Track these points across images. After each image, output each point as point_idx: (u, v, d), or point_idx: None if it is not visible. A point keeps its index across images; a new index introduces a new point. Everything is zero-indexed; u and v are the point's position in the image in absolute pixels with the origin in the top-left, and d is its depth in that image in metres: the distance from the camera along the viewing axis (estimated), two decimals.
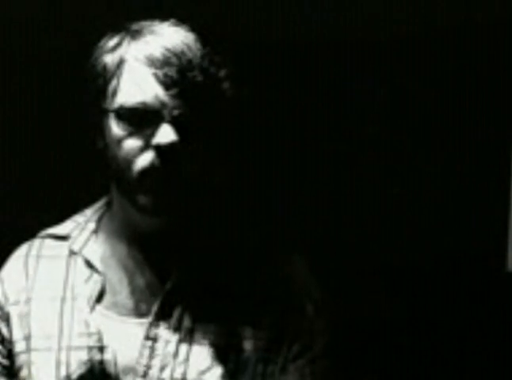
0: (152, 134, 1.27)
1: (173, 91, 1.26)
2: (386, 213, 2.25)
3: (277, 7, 2.19)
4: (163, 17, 1.34)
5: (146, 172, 1.27)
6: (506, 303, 2.22)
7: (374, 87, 2.24)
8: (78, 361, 1.33)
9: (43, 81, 2.21)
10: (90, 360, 1.33)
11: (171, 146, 1.25)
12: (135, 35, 1.31)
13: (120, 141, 1.29)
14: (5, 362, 1.41)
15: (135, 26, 1.33)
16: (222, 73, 1.30)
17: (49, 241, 1.45)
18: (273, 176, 2.23)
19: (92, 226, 1.44)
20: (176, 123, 1.26)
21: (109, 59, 1.31)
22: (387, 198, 2.25)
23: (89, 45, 1.37)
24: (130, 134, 1.28)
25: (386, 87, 2.24)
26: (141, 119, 1.27)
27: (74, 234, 1.43)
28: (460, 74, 2.23)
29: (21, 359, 1.38)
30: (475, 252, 2.24)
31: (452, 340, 2.24)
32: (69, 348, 1.34)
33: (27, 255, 1.44)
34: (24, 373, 1.37)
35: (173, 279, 1.34)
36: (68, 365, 1.33)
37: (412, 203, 2.26)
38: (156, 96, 1.26)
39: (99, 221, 1.44)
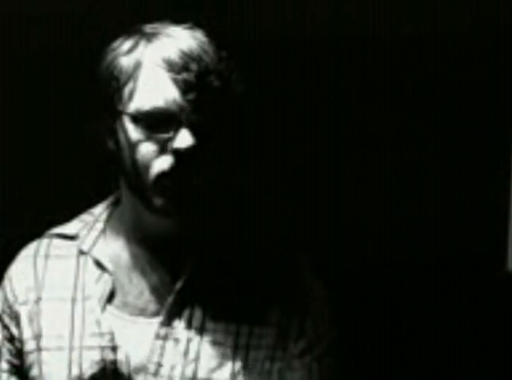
0: (170, 139, 1.27)
1: (192, 96, 1.26)
2: (387, 213, 2.26)
3: (277, 5, 2.19)
4: (170, 19, 1.34)
5: (164, 175, 1.27)
6: (506, 303, 2.23)
7: (374, 86, 2.25)
8: (90, 361, 1.33)
9: (52, 78, 2.21)
10: (103, 360, 1.33)
11: (189, 150, 1.26)
12: (151, 38, 1.30)
13: (136, 144, 1.29)
14: (15, 361, 1.41)
15: (149, 29, 1.33)
16: (234, 76, 1.31)
17: (57, 241, 1.44)
18: (277, 177, 2.24)
19: (100, 225, 1.43)
20: (193, 127, 1.27)
21: (125, 62, 1.30)
22: (388, 198, 2.26)
23: (100, 46, 1.37)
24: (147, 138, 1.28)
25: (386, 86, 2.25)
26: (158, 122, 1.27)
27: (82, 234, 1.43)
28: (460, 74, 2.24)
29: (31, 358, 1.38)
30: (475, 252, 2.25)
31: (452, 340, 2.25)
32: (81, 348, 1.34)
33: (35, 254, 1.44)
34: (34, 372, 1.37)
35: (183, 279, 1.35)
36: (80, 365, 1.33)
37: (412, 203, 2.27)
38: (174, 101, 1.26)
39: (107, 220, 1.44)
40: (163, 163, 1.27)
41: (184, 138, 1.26)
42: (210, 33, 1.31)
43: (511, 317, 2.22)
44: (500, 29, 2.22)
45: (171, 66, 1.27)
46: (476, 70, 2.24)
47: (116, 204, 1.44)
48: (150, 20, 1.35)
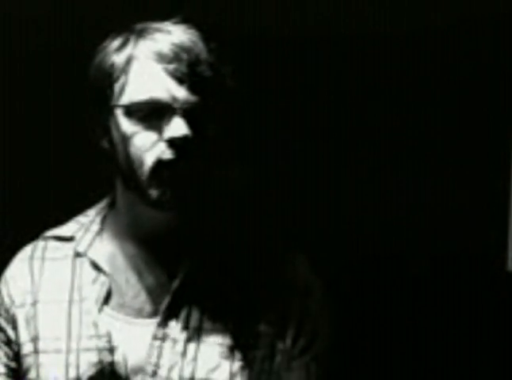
0: (164, 129, 1.27)
1: (184, 85, 1.26)
2: (386, 213, 2.25)
3: (277, 2, 2.19)
4: (164, 16, 1.34)
5: (159, 166, 1.27)
6: (506, 303, 2.23)
7: (374, 84, 2.25)
8: (87, 363, 1.33)
9: (52, 78, 2.21)
10: (101, 362, 1.32)
11: (184, 139, 1.26)
12: (142, 33, 1.31)
13: (130, 137, 1.29)
14: (12, 364, 1.41)
15: (138, 26, 1.34)
16: (226, 69, 1.32)
17: (53, 243, 1.44)
18: (277, 176, 2.24)
19: (96, 226, 1.43)
20: (187, 117, 1.27)
21: (116, 58, 1.31)
22: (388, 198, 2.26)
23: (92, 45, 1.37)
24: (140, 130, 1.28)
25: (385, 85, 2.25)
26: (152, 113, 1.28)
27: (78, 236, 1.43)
28: (460, 72, 2.24)
29: (28, 361, 1.37)
30: (475, 252, 2.25)
31: (452, 340, 2.25)
32: (78, 350, 1.34)
33: (31, 257, 1.43)
34: (32, 375, 1.37)
35: (179, 279, 1.34)
36: (78, 367, 1.33)
37: (412, 203, 2.26)
38: (167, 91, 1.27)
39: (103, 221, 1.44)
40: (158, 152, 1.27)
41: (178, 127, 1.26)
42: (198, 26, 1.32)
43: (511, 316, 2.22)
44: (500, 27, 2.22)
45: (162, 58, 1.27)
46: (477, 68, 2.24)
47: (111, 205, 1.44)
48: (151, 20, 1.35)
